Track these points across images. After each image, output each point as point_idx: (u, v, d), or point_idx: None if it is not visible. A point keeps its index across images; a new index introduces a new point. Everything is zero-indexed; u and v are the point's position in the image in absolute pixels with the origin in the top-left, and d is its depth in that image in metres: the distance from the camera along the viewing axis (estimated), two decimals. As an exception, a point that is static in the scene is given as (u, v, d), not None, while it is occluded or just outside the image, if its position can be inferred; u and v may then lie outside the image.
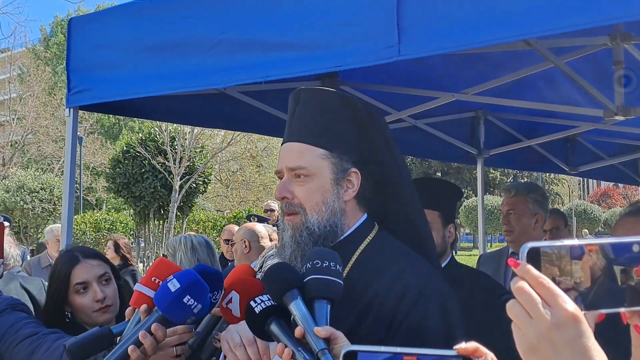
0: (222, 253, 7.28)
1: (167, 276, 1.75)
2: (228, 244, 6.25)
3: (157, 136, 20.09)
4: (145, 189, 19.90)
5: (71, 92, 3.35)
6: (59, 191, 22.84)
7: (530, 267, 0.99)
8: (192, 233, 5.63)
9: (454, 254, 3.09)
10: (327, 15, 2.52)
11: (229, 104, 4.03)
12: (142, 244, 22.36)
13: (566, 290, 0.99)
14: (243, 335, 1.61)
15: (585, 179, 54.33)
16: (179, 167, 19.61)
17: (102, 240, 20.11)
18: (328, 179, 1.78)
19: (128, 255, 7.23)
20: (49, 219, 23.77)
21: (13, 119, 33.58)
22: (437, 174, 43.10)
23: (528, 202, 3.82)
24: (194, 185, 20.63)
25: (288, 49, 2.63)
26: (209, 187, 24.77)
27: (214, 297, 1.81)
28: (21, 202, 23.70)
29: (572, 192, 56.74)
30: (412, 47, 2.29)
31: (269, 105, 4.08)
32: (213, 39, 2.84)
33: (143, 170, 19.93)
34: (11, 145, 32.77)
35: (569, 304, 0.96)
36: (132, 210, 22.43)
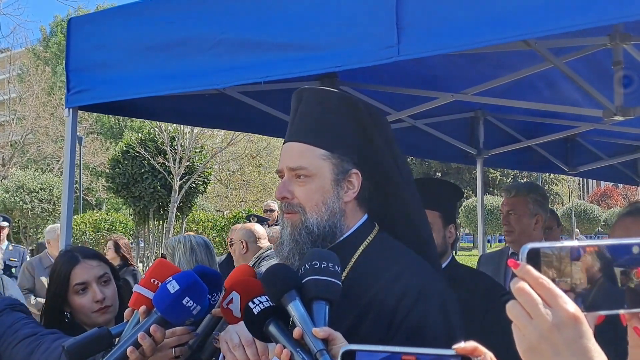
0: (230, 253, 7.28)
1: (166, 277, 1.75)
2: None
3: (157, 136, 20.08)
4: (145, 189, 19.88)
5: (70, 92, 3.35)
6: (59, 191, 22.83)
7: (530, 267, 0.99)
8: (192, 233, 5.63)
9: (454, 254, 3.09)
10: (326, 16, 2.52)
11: (229, 104, 4.03)
12: (142, 244, 22.35)
13: (566, 291, 0.99)
14: (242, 336, 1.62)
15: (585, 179, 54.34)
16: (179, 167, 19.60)
17: (102, 241, 20.11)
18: (328, 180, 1.78)
19: (128, 256, 7.24)
20: (48, 219, 23.77)
21: (13, 119, 33.57)
22: (437, 174, 43.11)
23: (528, 203, 3.82)
24: (194, 185, 20.61)
25: (288, 49, 2.63)
26: (209, 187, 24.76)
27: (213, 299, 1.81)
28: (21, 202, 23.70)
29: (571, 192, 56.79)
30: (412, 47, 2.29)
31: (269, 106, 4.08)
32: (213, 39, 2.84)
33: (142, 170, 19.91)
34: (11, 145, 32.76)
35: (570, 305, 0.96)
36: (131, 210, 22.42)
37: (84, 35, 3.37)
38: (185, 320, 1.78)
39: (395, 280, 1.68)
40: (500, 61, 3.80)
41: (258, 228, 5.48)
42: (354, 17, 2.43)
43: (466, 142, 5.39)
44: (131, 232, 22.95)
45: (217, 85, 3.26)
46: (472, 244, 41.46)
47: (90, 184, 34.49)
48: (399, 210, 1.87)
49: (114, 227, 22.33)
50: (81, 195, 29.03)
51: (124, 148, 20.47)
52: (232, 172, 34.88)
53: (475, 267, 4.07)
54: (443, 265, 2.88)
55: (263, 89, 3.66)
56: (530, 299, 0.97)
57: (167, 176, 19.53)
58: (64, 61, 3.51)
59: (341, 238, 1.79)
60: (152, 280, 1.82)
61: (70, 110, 3.38)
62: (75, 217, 21.80)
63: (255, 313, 1.51)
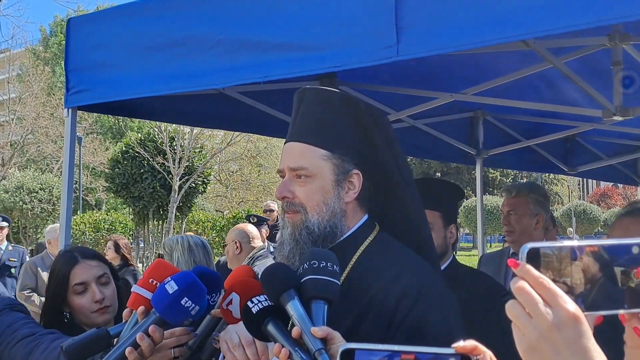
0: None
1: (165, 278, 1.75)
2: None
3: (156, 136, 20.08)
4: (145, 189, 19.88)
5: (70, 93, 3.35)
6: (58, 191, 22.82)
7: (530, 267, 0.99)
8: (191, 234, 5.63)
9: (454, 254, 3.09)
10: (325, 16, 2.52)
11: (228, 104, 4.03)
12: (142, 244, 22.35)
13: (566, 291, 0.98)
14: (242, 336, 1.62)
15: (585, 179, 54.37)
16: (178, 168, 19.60)
17: (102, 241, 20.10)
18: (329, 180, 1.78)
19: (128, 256, 7.25)
20: (48, 219, 23.77)
21: (12, 119, 33.56)
22: (437, 174, 43.13)
23: (529, 203, 3.81)
24: (193, 185, 20.62)
25: (287, 49, 2.63)
26: (208, 188, 24.75)
27: (212, 299, 1.81)
28: (20, 202, 23.69)
29: (571, 192, 56.81)
30: (411, 47, 2.29)
31: (268, 106, 4.08)
32: (212, 39, 2.84)
33: (142, 170, 19.91)
34: (10, 145, 32.75)
35: (570, 304, 0.96)
36: (131, 211, 22.42)
37: (83, 35, 3.37)
38: (184, 321, 1.78)
39: (395, 280, 1.68)
40: (500, 61, 3.81)
41: (251, 228, 5.49)
42: (353, 17, 2.43)
43: (466, 142, 5.39)
44: (131, 232, 22.95)
45: (217, 85, 3.26)
46: (471, 244, 41.49)
47: (90, 184, 34.49)
48: (399, 211, 1.87)
49: (113, 227, 22.32)
50: (81, 195, 29.02)
51: (124, 148, 20.47)
52: (232, 172, 34.88)
53: (475, 267, 4.07)
54: (444, 266, 2.89)
55: (262, 89, 3.66)
56: (530, 298, 0.97)
57: (166, 176, 19.54)
58: (63, 61, 3.51)
59: (342, 238, 1.80)
60: (150, 280, 1.82)
61: (70, 110, 3.37)
62: (74, 217, 21.79)
63: (254, 312, 1.51)
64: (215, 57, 2.84)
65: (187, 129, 19.98)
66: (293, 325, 1.46)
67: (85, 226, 22.15)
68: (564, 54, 3.42)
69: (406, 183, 1.89)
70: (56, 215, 22.99)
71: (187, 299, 1.70)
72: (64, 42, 3.45)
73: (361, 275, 1.74)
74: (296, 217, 1.79)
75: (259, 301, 1.53)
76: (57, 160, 32.81)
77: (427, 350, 1.09)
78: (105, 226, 22.43)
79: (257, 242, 5.35)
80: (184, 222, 21.78)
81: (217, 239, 21.99)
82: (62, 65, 3.48)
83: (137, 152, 19.66)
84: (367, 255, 1.78)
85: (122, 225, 23.04)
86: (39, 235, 23.50)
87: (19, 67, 40.09)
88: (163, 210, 20.40)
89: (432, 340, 1.56)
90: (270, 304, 1.52)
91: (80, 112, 3.62)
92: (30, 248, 18.03)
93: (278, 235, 1.97)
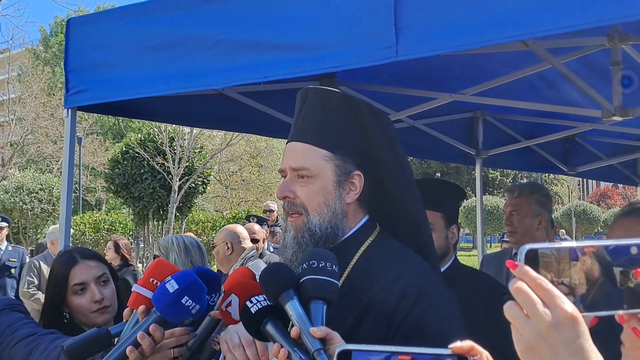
0: None
1: (165, 277, 1.75)
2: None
3: (156, 137, 20.07)
4: (144, 189, 19.87)
5: (69, 93, 3.34)
6: (58, 192, 22.79)
7: (528, 268, 0.99)
8: (190, 234, 5.65)
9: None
10: (325, 16, 2.52)
11: (228, 105, 4.03)
12: (141, 245, 22.35)
13: (565, 292, 0.99)
14: (242, 336, 1.62)
15: (585, 179, 54.38)
16: (178, 168, 19.60)
17: (102, 241, 20.10)
18: (330, 181, 1.79)
19: (128, 256, 7.25)
20: (48, 220, 23.76)
21: (12, 120, 33.54)
22: (437, 174, 43.14)
23: (531, 203, 3.80)
24: (193, 185, 20.61)
25: (286, 49, 2.63)
26: (208, 188, 24.75)
27: (211, 300, 1.81)
28: (20, 202, 23.68)
29: (571, 193, 56.82)
30: (410, 47, 2.29)
31: (268, 106, 4.08)
32: (212, 39, 2.84)
33: (142, 170, 19.90)
34: (10, 146, 32.73)
35: (568, 305, 0.96)
36: (131, 211, 22.41)
37: (83, 36, 3.37)
38: (184, 320, 1.78)
39: (396, 280, 1.69)
40: (499, 61, 3.81)
41: (241, 229, 5.53)
42: (352, 17, 2.43)
43: (465, 143, 5.39)
44: (131, 233, 22.95)
45: (216, 86, 3.26)
46: (471, 244, 41.49)
47: (90, 185, 34.48)
48: (400, 211, 1.87)
49: (113, 228, 22.32)
50: (80, 195, 29.02)
51: (124, 148, 20.47)
52: (232, 172, 34.89)
53: (475, 268, 4.08)
54: (446, 266, 2.89)
55: (262, 89, 3.66)
56: (528, 299, 0.97)
57: (166, 177, 19.53)
58: (63, 61, 3.51)
59: (342, 238, 1.80)
60: (151, 279, 1.82)
61: (69, 110, 3.37)
62: (74, 217, 21.79)
63: (253, 312, 1.51)
64: (215, 57, 2.84)
65: (186, 129, 19.97)
66: (292, 326, 1.46)
67: (85, 226, 22.14)
68: (564, 54, 3.42)
69: (407, 183, 1.89)
70: (56, 215, 22.97)
71: (187, 298, 1.70)
72: (64, 42, 3.45)
73: (362, 276, 1.74)
74: (298, 220, 1.80)
75: (258, 301, 1.53)
76: (57, 161, 32.78)
77: (424, 351, 1.09)
78: (105, 226, 22.42)
79: (247, 243, 5.39)
80: (183, 223, 21.77)
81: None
82: (62, 65, 3.48)
83: (137, 153, 19.66)
84: (368, 255, 1.78)
85: (122, 225, 23.04)
86: (38, 236, 23.50)
87: (18, 67, 40.06)
88: (163, 210, 20.39)
89: (432, 340, 1.56)
90: (269, 304, 1.52)
91: (81, 112, 3.62)
92: (30, 248, 18.03)
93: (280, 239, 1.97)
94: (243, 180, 34.77)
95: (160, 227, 20.83)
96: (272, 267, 1.58)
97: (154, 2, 3.13)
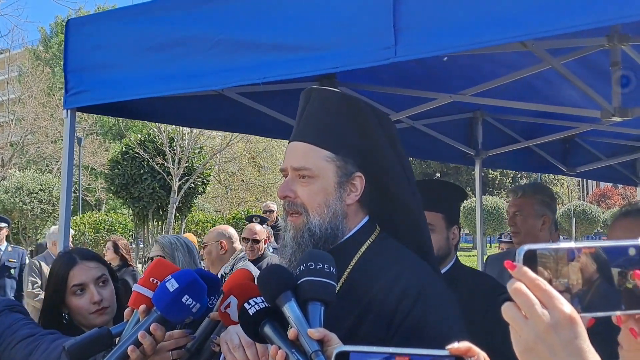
0: None
1: (165, 276, 1.75)
2: (248, 242, 6.30)
3: (156, 137, 20.08)
4: (144, 189, 19.89)
5: (69, 94, 3.34)
6: (58, 192, 22.74)
7: (526, 269, 0.99)
8: (190, 235, 5.68)
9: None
10: (324, 17, 2.52)
11: (227, 106, 4.03)
12: (141, 245, 22.36)
13: (562, 293, 0.99)
14: (242, 337, 1.62)
15: (585, 179, 54.38)
16: (178, 168, 19.60)
17: (102, 241, 20.11)
18: (332, 182, 1.79)
19: (127, 256, 7.24)
20: (47, 220, 23.74)
21: (12, 120, 33.52)
22: (436, 174, 43.14)
23: (535, 204, 3.80)
24: (193, 186, 20.62)
25: (285, 50, 2.63)
26: (208, 188, 24.76)
27: (210, 302, 1.81)
28: (20, 203, 23.67)
29: (571, 193, 56.81)
30: (409, 48, 2.29)
31: (267, 107, 4.09)
32: (211, 40, 2.84)
33: (142, 171, 19.92)
34: (10, 145, 32.72)
35: (566, 306, 0.97)
36: (130, 211, 22.41)
37: (82, 36, 3.37)
38: (185, 319, 1.78)
39: (395, 280, 1.69)
40: (499, 62, 3.81)
41: (231, 230, 5.56)
42: (351, 18, 2.43)
43: (465, 143, 5.39)
44: (130, 233, 22.96)
45: (216, 86, 3.26)
46: (471, 244, 41.50)
47: (89, 185, 34.47)
48: (401, 211, 1.88)
49: (113, 228, 22.33)
50: (80, 196, 29.02)
51: (123, 149, 20.47)
52: (232, 173, 34.88)
53: (475, 268, 4.08)
54: (448, 267, 2.89)
55: (261, 90, 3.66)
56: (526, 299, 0.97)
57: (166, 177, 19.54)
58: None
59: (342, 239, 1.80)
60: (151, 279, 1.82)
61: (69, 111, 3.37)
62: (74, 217, 21.81)
63: (251, 314, 1.51)
64: (214, 57, 2.84)
65: (186, 129, 19.97)
66: (290, 327, 1.46)
67: (85, 227, 22.15)
68: (563, 54, 3.42)
69: (408, 183, 1.89)
70: (56, 216, 22.96)
71: (188, 297, 1.71)
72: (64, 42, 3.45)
73: (361, 276, 1.74)
74: (298, 220, 1.80)
75: (256, 303, 1.53)
76: (56, 161, 32.76)
77: (422, 353, 1.10)
78: (105, 227, 22.44)
79: (238, 244, 5.44)
80: (183, 223, 21.78)
81: (216, 240, 21.93)
82: (62, 65, 3.48)
83: (136, 153, 19.66)
84: (368, 256, 1.78)
85: (121, 225, 23.06)
86: (38, 236, 23.48)
87: (18, 67, 40.05)
88: (163, 210, 20.40)
89: (431, 340, 1.56)
90: (267, 305, 1.52)
91: (80, 112, 3.62)
92: (30, 249, 18.03)
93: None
94: (243, 181, 34.77)
95: (159, 227, 20.85)
96: (270, 268, 1.58)
97: (154, 3, 3.13)
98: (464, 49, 2.33)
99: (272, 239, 8.36)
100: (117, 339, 1.83)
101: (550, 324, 0.96)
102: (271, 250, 7.56)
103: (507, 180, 48.63)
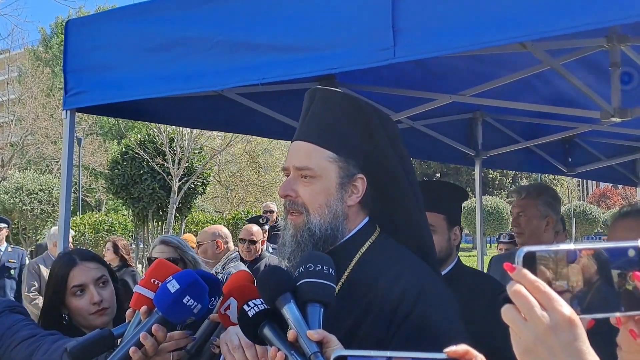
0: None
1: (166, 277, 1.76)
2: (244, 243, 6.31)
3: (156, 137, 20.06)
4: (144, 190, 19.87)
5: (68, 94, 3.34)
6: (58, 192, 22.69)
7: (526, 271, 0.99)
8: (190, 235, 5.73)
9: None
10: (323, 18, 2.52)
11: (227, 106, 4.03)
12: (141, 245, 22.35)
13: (562, 294, 0.99)
14: (242, 338, 1.62)
15: (584, 180, 54.40)
16: (178, 169, 19.59)
17: (101, 242, 20.09)
18: (333, 183, 1.79)
19: (127, 256, 7.23)
20: (47, 221, 23.72)
21: (12, 120, 33.51)
22: (436, 174, 43.15)
23: (539, 205, 3.80)
24: (193, 186, 20.61)
25: (285, 50, 2.63)
26: (208, 189, 24.75)
27: (211, 303, 1.82)
28: (20, 203, 23.66)
29: (571, 193, 56.84)
30: (408, 49, 2.29)
31: (267, 107, 4.09)
32: (210, 40, 2.84)
33: (142, 171, 19.90)
34: (10, 146, 32.71)
35: (565, 308, 0.97)
36: (130, 212, 22.41)
37: (82, 37, 3.37)
38: (186, 319, 1.79)
39: (396, 280, 1.69)
40: (498, 62, 3.81)
41: (225, 230, 5.66)
42: (350, 19, 2.43)
43: (464, 143, 5.39)
44: (130, 234, 22.94)
45: (215, 87, 3.26)
46: (471, 245, 41.52)
47: (89, 185, 34.46)
48: (402, 212, 1.88)
49: (113, 229, 22.32)
50: (80, 196, 29.01)
51: (123, 149, 20.47)
52: (232, 173, 34.89)
53: (475, 268, 4.08)
54: (450, 267, 2.88)
55: (261, 90, 3.66)
56: (526, 301, 0.97)
57: (166, 177, 19.53)
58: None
59: (342, 240, 1.80)
60: (152, 280, 1.83)
61: (68, 112, 3.37)
62: (74, 218, 21.79)
63: (250, 316, 1.52)
64: (214, 58, 2.84)
65: (186, 130, 19.95)
66: (290, 329, 1.46)
67: (85, 227, 22.14)
68: (563, 55, 3.42)
69: (410, 184, 1.89)
70: (56, 216, 22.94)
71: (189, 298, 1.71)
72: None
73: (361, 277, 1.74)
74: (298, 219, 1.80)
75: (255, 305, 1.53)
76: (56, 161, 32.72)
77: (420, 356, 1.10)
78: (104, 227, 22.43)
79: (232, 245, 5.51)
80: (183, 223, 21.77)
81: (216, 240, 21.90)
82: (61, 66, 3.48)
83: (136, 153, 19.65)
84: (368, 256, 1.78)
85: (121, 226, 23.04)
86: (38, 237, 23.47)
87: (19, 67, 40.04)
88: (162, 211, 20.38)
89: (432, 341, 1.57)
90: (266, 307, 1.52)
91: (80, 112, 3.62)
92: (29, 249, 18.03)
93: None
94: (242, 181, 34.77)
95: (160, 228, 20.83)
96: (269, 270, 1.58)
97: (153, 3, 3.13)
98: (464, 50, 2.33)
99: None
100: (119, 340, 1.83)
101: (549, 325, 0.96)
102: (271, 250, 7.56)
103: (507, 181, 48.66)
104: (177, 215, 20.62)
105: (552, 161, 6.04)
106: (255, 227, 6.61)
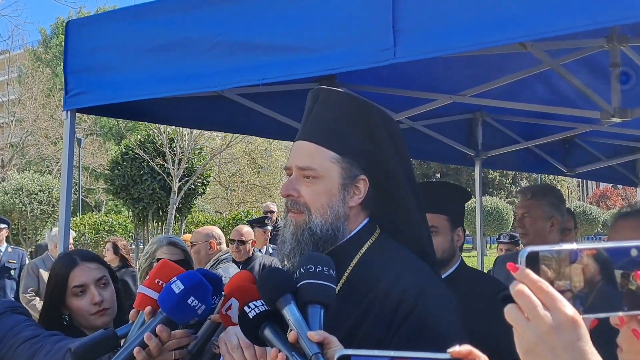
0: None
1: (171, 278, 1.76)
2: (234, 243, 6.32)
3: (156, 138, 20.07)
4: (144, 190, 19.89)
5: (68, 95, 3.34)
6: (58, 193, 22.67)
7: (529, 271, 0.99)
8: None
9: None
10: (323, 18, 2.52)
11: (227, 107, 4.03)
12: (141, 246, 22.35)
13: (564, 294, 0.99)
14: (241, 338, 1.62)
15: (584, 180, 54.42)
16: (178, 169, 19.60)
17: (101, 242, 20.09)
18: (336, 183, 1.79)
19: (127, 257, 7.23)
20: (47, 221, 23.71)
21: (12, 121, 33.50)
22: (436, 175, 43.16)
23: (543, 205, 3.79)
24: (193, 186, 20.62)
25: (285, 51, 2.63)
26: (208, 189, 24.76)
27: (213, 303, 1.82)
28: (20, 204, 23.65)
29: (571, 193, 56.84)
30: (408, 49, 2.29)
31: (267, 108, 4.09)
32: (210, 41, 2.84)
33: (142, 172, 19.92)
34: (10, 146, 32.70)
35: (568, 308, 0.97)
36: (130, 212, 22.42)
37: (82, 38, 3.36)
38: (190, 320, 1.79)
39: (396, 281, 1.69)
40: (498, 63, 3.81)
41: (218, 231, 5.70)
42: (350, 19, 2.43)
43: (464, 144, 5.39)
44: (130, 234, 22.95)
45: (215, 87, 3.26)
46: (471, 245, 41.53)
47: (89, 186, 34.45)
48: (402, 212, 1.88)
49: (113, 229, 22.32)
50: (80, 196, 29.01)
51: (123, 150, 20.48)
52: (232, 173, 34.90)
53: (476, 268, 4.08)
54: (453, 268, 2.88)
55: (261, 91, 3.66)
56: (528, 301, 0.97)
57: (166, 178, 19.54)
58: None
59: (342, 241, 1.80)
60: (156, 281, 1.82)
61: (68, 112, 3.36)
62: (74, 218, 21.79)
63: (251, 317, 1.51)
64: (213, 59, 2.84)
65: (186, 130, 19.97)
66: (290, 330, 1.46)
67: (85, 228, 22.14)
68: (563, 55, 3.42)
69: (410, 185, 1.89)
70: (56, 217, 22.94)
71: (193, 298, 1.71)
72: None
73: (361, 277, 1.74)
74: (299, 218, 1.80)
75: (256, 306, 1.53)
76: (56, 162, 32.70)
77: (422, 356, 1.10)
78: (105, 228, 22.43)
79: (224, 245, 5.56)
80: (183, 224, 21.78)
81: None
82: (62, 67, 3.48)
83: (136, 154, 19.66)
84: (368, 257, 1.78)
85: (121, 226, 23.05)
86: (38, 237, 23.46)
87: (19, 67, 40.03)
88: (163, 211, 20.40)
89: (432, 341, 1.57)
90: (266, 309, 1.52)
91: (80, 113, 3.62)
92: (29, 250, 18.02)
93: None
94: (242, 182, 34.78)
95: (160, 228, 20.85)
96: (270, 271, 1.58)
97: (153, 4, 3.12)
98: (464, 50, 2.33)
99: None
100: (123, 340, 1.83)
101: (552, 325, 0.96)
102: (271, 251, 7.56)
103: (507, 181, 48.65)
104: (177, 215, 20.64)
105: (552, 161, 6.04)
106: (245, 228, 6.64)
